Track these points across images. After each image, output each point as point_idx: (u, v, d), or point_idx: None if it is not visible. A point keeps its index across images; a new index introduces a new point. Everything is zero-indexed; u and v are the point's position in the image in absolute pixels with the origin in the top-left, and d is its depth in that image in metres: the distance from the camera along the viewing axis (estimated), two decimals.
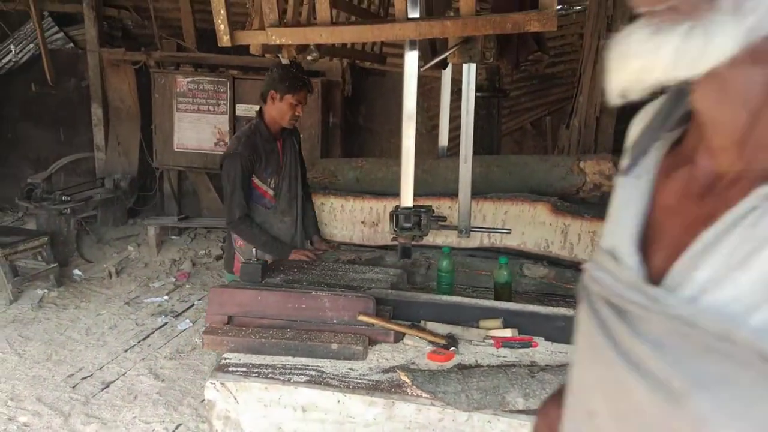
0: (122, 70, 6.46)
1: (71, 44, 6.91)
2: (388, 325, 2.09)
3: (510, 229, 2.76)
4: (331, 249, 3.07)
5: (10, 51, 6.71)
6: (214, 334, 2.12)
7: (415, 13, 2.16)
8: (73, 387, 3.74)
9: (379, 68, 5.74)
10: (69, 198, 5.86)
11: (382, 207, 3.34)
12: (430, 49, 3.02)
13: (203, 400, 2.06)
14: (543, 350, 2.11)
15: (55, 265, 5.36)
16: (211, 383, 1.94)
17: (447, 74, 2.86)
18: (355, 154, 5.98)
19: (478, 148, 4.85)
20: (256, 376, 1.93)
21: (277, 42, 2.19)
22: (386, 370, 1.95)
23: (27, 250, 5.18)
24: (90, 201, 6.08)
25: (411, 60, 2.59)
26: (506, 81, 6.12)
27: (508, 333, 2.15)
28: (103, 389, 3.71)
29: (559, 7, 5.59)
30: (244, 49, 2.72)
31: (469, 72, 2.55)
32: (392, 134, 6.31)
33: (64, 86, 6.89)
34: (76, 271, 5.72)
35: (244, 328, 2.16)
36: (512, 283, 2.44)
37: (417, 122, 2.51)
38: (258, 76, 5.99)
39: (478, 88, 3.47)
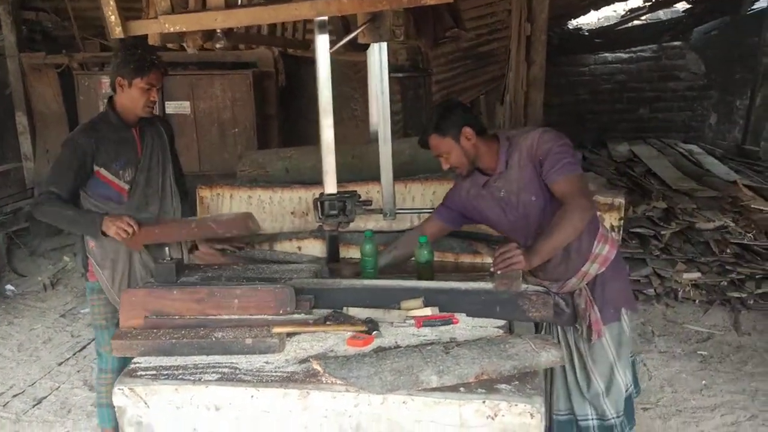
0: (45, 75, 6.20)
1: None
2: (305, 329, 2.03)
3: (435, 208, 2.72)
4: (235, 249, 2.86)
5: None
6: (123, 339, 2.02)
7: None
8: (3, 405, 3.58)
9: (312, 56, 5.65)
10: None
11: (312, 196, 3.27)
12: (344, 31, 2.96)
13: None
14: (463, 326, 2.09)
15: None
16: (119, 389, 1.86)
17: (373, 56, 2.77)
18: (294, 145, 5.89)
19: (408, 129, 4.85)
20: (165, 378, 1.85)
21: (171, 29, 2.10)
22: (302, 361, 1.89)
23: None
24: (20, 213, 5.84)
25: (322, 43, 2.55)
26: (441, 61, 6.13)
27: (428, 312, 2.12)
28: (34, 405, 3.56)
29: None
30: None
31: (380, 51, 2.50)
32: (350, 119, 6.23)
33: None
34: (9, 287, 5.49)
35: (155, 330, 2.06)
36: (433, 261, 2.41)
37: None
38: (187, 72, 5.84)
39: (399, 68, 3.45)
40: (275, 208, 3.27)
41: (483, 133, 2.29)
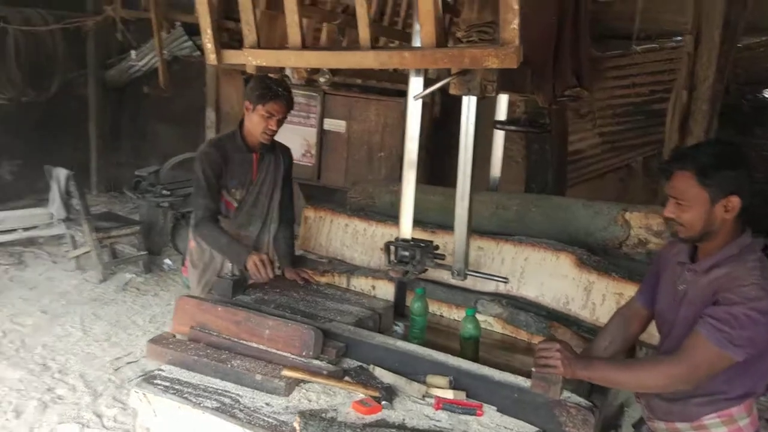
0: (233, 78, 6.88)
1: (198, 52, 7.48)
2: (314, 379, 1.98)
3: (507, 278, 2.52)
4: (302, 281, 2.82)
5: (132, 58, 7.43)
6: (158, 344, 2.14)
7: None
8: (116, 370, 3.99)
9: None
10: (169, 192, 6.29)
11: None
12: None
13: None
14: (487, 421, 1.89)
15: (144, 252, 5.80)
16: (135, 392, 1.97)
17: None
18: (440, 178, 5.85)
19: (531, 184, 4.55)
20: (173, 394, 1.92)
21: (254, 63, 2.19)
22: (301, 412, 1.85)
23: (120, 236, 5.66)
24: (189, 197, 6.50)
25: (415, 86, 2.47)
26: (607, 113, 5.70)
27: (450, 395, 1.95)
28: (139, 376, 3.92)
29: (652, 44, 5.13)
30: None
31: (469, 105, 2.36)
32: (482, 160, 6.08)
33: (188, 91, 7.49)
34: (167, 261, 6.14)
35: (187, 343, 2.16)
36: (480, 338, 2.22)
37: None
38: (348, 93, 6.09)
39: (515, 122, 3.24)
40: (368, 240, 3.25)
41: (743, 215, 1.77)
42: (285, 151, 3.09)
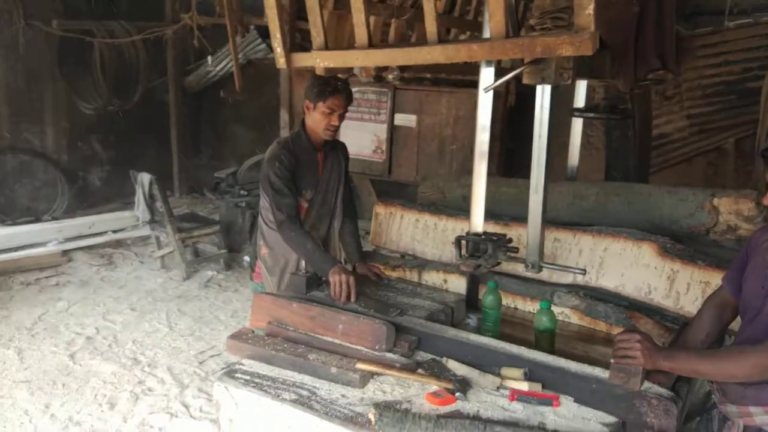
0: (305, 79, 6.98)
1: (272, 54, 7.67)
2: (388, 371, 1.99)
3: (585, 270, 2.43)
4: (374, 276, 2.79)
5: (208, 64, 7.68)
6: (237, 340, 2.21)
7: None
8: (201, 363, 4.17)
9: None
10: (247, 193, 6.49)
11: None
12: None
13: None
14: (564, 411, 1.84)
15: (225, 250, 6.03)
16: (218, 385, 2.04)
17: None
18: (516, 170, 5.74)
19: (612, 171, 4.37)
20: (253, 387, 1.98)
21: (322, 65, 2.22)
22: (376, 404, 1.86)
23: (201, 235, 5.91)
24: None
25: (486, 76, 2.44)
26: (696, 94, 5.43)
27: (525, 386, 1.91)
28: (222, 369, 4.07)
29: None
30: None
31: (543, 93, 2.30)
32: (561, 148, 5.93)
33: (263, 93, 7.69)
34: (246, 258, 6.33)
35: (266, 338, 2.22)
36: (555, 331, 2.17)
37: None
38: (418, 87, 6.07)
39: (594, 108, 3.14)
40: (439, 235, 3.25)
41: None
42: (342, 146, 3.10)
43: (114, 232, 6.78)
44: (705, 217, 2.84)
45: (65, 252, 6.19)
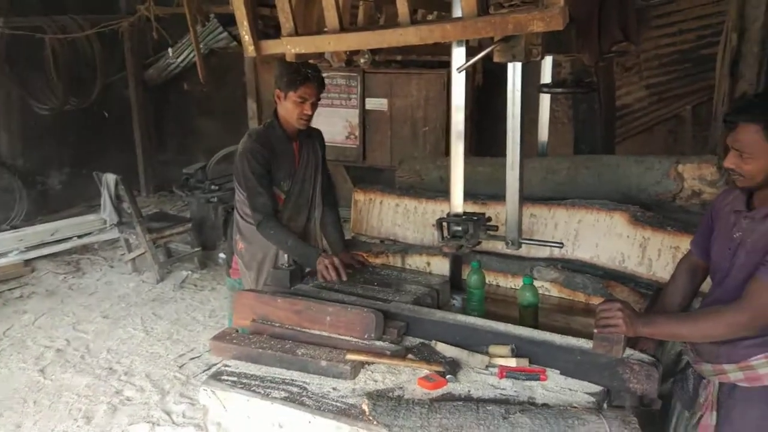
0: (272, 66, 6.86)
1: (234, 43, 7.47)
2: (379, 360, 1.99)
3: (562, 243, 2.47)
4: (358, 264, 2.79)
5: (169, 56, 7.49)
6: (221, 341, 2.18)
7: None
8: (180, 366, 4.09)
9: None
10: (218, 187, 6.39)
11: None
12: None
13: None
14: (551, 385, 1.89)
15: (198, 249, 5.93)
16: (204, 389, 2.01)
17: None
18: (486, 149, 5.77)
19: (580, 145, 4.44)
20: (240, 388, 1.95)
21: (293, 51, 2.19)
22: (368, 393, 1.87)
23: (172, 234, 5.80)
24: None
25: (458, 56, 2.42)
26: (653, 64, 5.52)
27: (513, 363, 1.95)
28: (204, 371, 4.02)
29: None
30: None
31: (515, 71, 2.30)
32: (530, 125, 5.97)
33: (227, 83, 7.53)
34: (221, 255, 6.21)
35: (251, 336, 2.20)
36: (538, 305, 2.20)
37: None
38: (388, 70, 6.03)
39: (561, 83, 3.17)
40: (419, 218, 3.25)
41: None
42: (318, 134, 3.05)
43: (79, 237, 6.55)
44: (671, 184, 2.91)
45: (28, 262, 5.93)
